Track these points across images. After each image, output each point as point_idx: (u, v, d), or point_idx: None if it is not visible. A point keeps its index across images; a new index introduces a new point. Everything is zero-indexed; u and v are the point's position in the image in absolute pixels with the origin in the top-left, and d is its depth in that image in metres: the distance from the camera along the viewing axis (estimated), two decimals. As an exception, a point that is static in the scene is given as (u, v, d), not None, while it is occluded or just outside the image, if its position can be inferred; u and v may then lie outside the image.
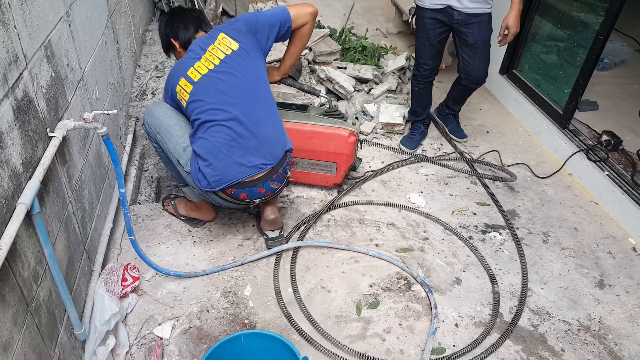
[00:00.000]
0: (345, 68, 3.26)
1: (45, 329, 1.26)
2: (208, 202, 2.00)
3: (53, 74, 1.38)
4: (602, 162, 2.51)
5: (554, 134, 2.83)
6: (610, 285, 2.01)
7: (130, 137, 2.33)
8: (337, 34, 3.74)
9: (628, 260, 2.14)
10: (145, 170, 2.49)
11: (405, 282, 1.96)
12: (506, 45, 3.17)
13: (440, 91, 3.21)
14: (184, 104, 1.83)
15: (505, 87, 3.31)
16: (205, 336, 1.69)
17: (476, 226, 2.29)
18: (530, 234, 2.26)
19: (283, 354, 1.44)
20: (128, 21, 2.64)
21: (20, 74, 1.16)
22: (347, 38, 3.71)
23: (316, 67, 3.21)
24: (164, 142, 1.90)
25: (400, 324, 1.78)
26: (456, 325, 1.80)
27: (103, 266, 1.76)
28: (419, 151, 2.80)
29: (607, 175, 2.45)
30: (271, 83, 2.23)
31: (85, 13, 1.74)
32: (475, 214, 2.36)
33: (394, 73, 3.40)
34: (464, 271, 2.03)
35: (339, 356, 1.64)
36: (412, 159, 2.70)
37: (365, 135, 2.88)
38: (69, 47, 1.54)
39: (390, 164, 2.65)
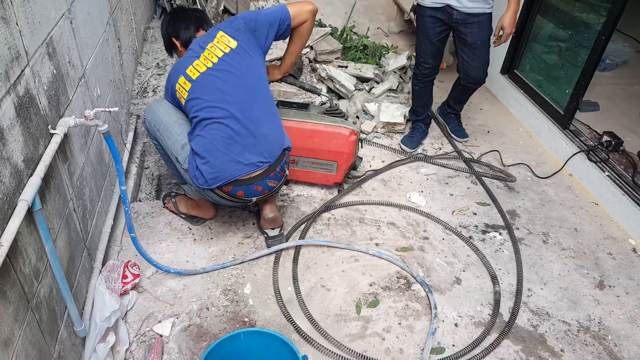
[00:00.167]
0: (346, 67, 3.26)
1: (45, 326, 1.26)
2: (208, 200, 2.01)
3: (54, 71, 1.38)
4: (602, 163, 2.51)
5: (554, 135, 2.83)
6: (610, 286, 2.01)
7: (131, 135, 2.34)
8: (339, 33, 3.74)
9: (628, 261, 2.14)
10: (146, 168, 2.49)
11: (405, 281, 1.96)
12: (507, 45, 3.20)
13: (441, 90, 3.21)
14: (183, 102, 1.84)
15: (506, 87, 3.31)
16: (205, 334, 1.69)
17: (476, 226, 2.29)
18: (531, 234, 2.26)
19: (283, 352, 1.44)
20: (129, 18, 2.64)
21: (22, 71, 1.16)
22: (348, 37, 3.71)
23: (317, 65, 3.21)
24: (163, 139, 1.91)
25: (399, 323, 1.79)
26: (456, 325, 1.80)
27: (103, 263, 1.76)
28: (419, 150, 2.80)
29: (608, 176, 2.45)
30: (272, 81, 2.23)
31: (86, 10, 1.74)
32: (475, 213, 2.36)
33: (395, 72, 3.40)
34: (463, 271, 2.03)
35: (338, 355, 1.64)
36: (408, 158, 2.69)
37: (366, 134, 2.88)
38: (71, 44, 1.54)
39: (390, 163, 2.65)
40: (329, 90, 3.09)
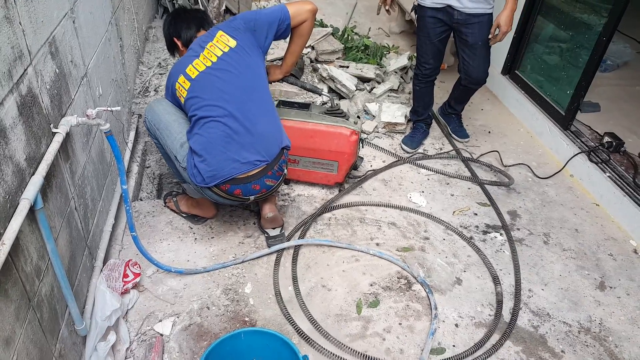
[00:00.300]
0: (348, 67, 3.27)
1: (46, 324, 1.26)
2: (207, 199, 2.01)
3: (57, 70, 1.38)
4: (603, 164, 2.51)
5: (555, 135, 2.83)
6: (611, 287, 2.01)
7: (132, 134, 2.34)
8: (340, 33, 3.74)
9: (629, 262, 2.14)
10: (147, 167, 2.49)
11: (406, 281, 1.96)
12: (509, 45, 3.20)
13: (442, 91, 3.21)
14: (183, 100, 1.86)
15: (507, 87, 3.31)
16: (206, 333, 1.69)
17: (477, 226, 2.29)
18: (531, 235, 2.26)
19: (283, 352, 1.44)
20: (131, 18, 2.64)
21: (25, 70, 1.16)
22: (349, 37, 3.71)
23: (318, 65, 3.21)
24: (162, 138, 1.92)
25: (400, 324, 1.79)
26: (456, 325, 1.80)
27: (104, 262, 1.76)
28: (420, 151, 2.80)
29: (609, 176, 2.45)
30: (273, 81, 2.24)
31: (89, 10, 1.75)
32: (476, 214, 2.36)
33: (396, 72, 3.40)
34: (464, 271, 2.03)
35: (338, 356, 1.64)
36: (400, 160, 2.69)
37: (367, 134, 2.88)
38: (73, 44, 1.54)
39: (390, 163, 2.65)
40: (330, 90, 3.10)
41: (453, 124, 2.95)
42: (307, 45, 3.31)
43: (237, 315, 1.76)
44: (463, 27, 2.41)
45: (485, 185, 2.54)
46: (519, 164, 2.74)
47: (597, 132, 2.76)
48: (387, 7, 2.62)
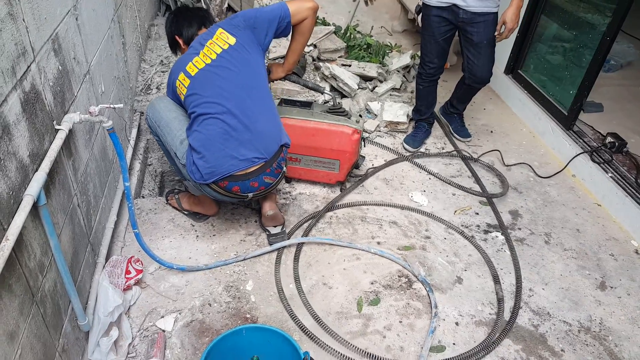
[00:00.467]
0: (350, 66, 3.27)
1: (50, 319, 1.27)
2: (208, 196, 2.02)
3: (60, 67, 1.39)
4: (606, 164, 2.51)
5: (558, 135, 2.82)
6: (611, 287, 2.01)
7: (134, 131, 2.35)
8: (342, 31, 3.74)
9: (630, 263, 2.14)
10: (149, 165, 2.50)
11: (407, 280, 1.97)
12: (512, 44, 3.20)
13: (444, 90, 3.21)
14: (182, 98, 1.87)
15: (510, 87, 3.31)
16: (207, 329, 1.70)
17: (478, 226, 2.29)
18: (533, 235, 2.26)
19: (284, 348, 1.45)
20: (134, 15, 2.65)
21: (28, 67, 1.17)
22: (352, 35, 3.71)
23: (320, 64, 3.21)
24: (163, 135, 1.93)
25: (400, 322, 1.79)
26: (456, 323, 1.81)
27: (107, 259, 1.77)
28: (422, 150, 2.80)
29: (611, 177, 2.44)
30: (276, 79, 2.24)
31: (92, 7, 1.75)
32: (477, 213, 2.37)
33: (398, 71, 3.40)
34: (465, 270, 2.04)
35: (339, 352, 1.65)
36: (399, 158, 2.70)
37: (369, 133, 2.88)
38: (76, 41, 1.55)
39: (389, 161, 2.65)
40: (332, 88, 3.10)
41: (455, 123, 2.95)
42: (309, 44, 3.31)
43: (238, 312, 1.77)
44: (468, 26, 2.41)
45: (482, 182, 2.54)
46: (520, 163, 2.74)
47: (599, 133, 2.75)
48: None
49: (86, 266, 1.61)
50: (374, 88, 3.22)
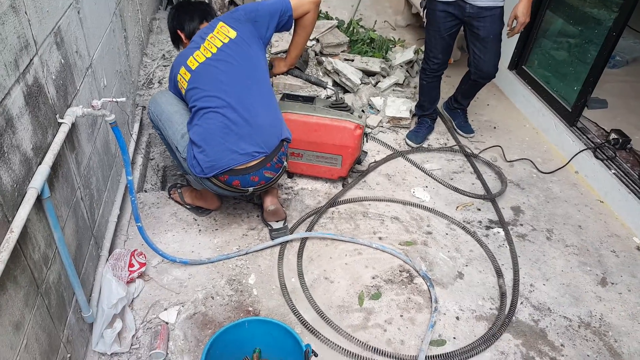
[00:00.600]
0: (353, 60, 3.26)
1: (54, 311, 1.29)
2: (209, 190, 2.03)
3: (62, 60, 1.40)
4: (609, 161, 2.50)
5: (561, 132, 2.81)
6: (612, 283, 2.01)
7: (137, 126, 2.36)
8: (345, 26, 3.72)
9: (632, 259, 2.14)
10: (152, 159, 2.51)
11: (408, 275, 1.98)
12: (516, 40, 3.18)
13: (448, 85, 3.20)
14: (184, 92, 1.88)
15: (514, 83, 3.29)
16: (210, 322, 1.71)
17: (480, 222, 2.29)
18: (535, 231, 2.26)
19: (286, 341, 1.46)
20: (136, 9, 2.65)
21: (31, 60, 1.18)
22: (355, 30, 3.70)
23: (323, 58, 3.21)
24: (164, 129, 1.94)
25: (401, 316, 1.80)
26: (457, 318, 1.82)
27: (110, 252, 1.79)
28: (425, 146, 2.80)
29: (614, 173, 2.44)
30: (278, 74, 2.24)
31: (94, 0, 1.75)
32: (479, 209, 2.37)
33: (401, 66, 3.39)
34: (466, 265, 2.04)
35: (340, 345, 1.66)
36: (395, 154, 2.69)
37: (371, 128, 2.88)
38: (78, 34, 1.56)
39: (389, 154, 2.65)
40: (335, 83, 3.09)
41: (458, 119, 2.94)
42: (312, 38, 3.31)
43: (241, 305, 1.79)
44: (475, 21, 2.40)
45: (484, 177, 2.54)
46: (522, 159, 2.73)
47: (603, 129, 2.74)
48: None
49: (90, 259, 1.62)
50: (376, 83, 3.21)
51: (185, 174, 2.23)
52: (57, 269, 1.32)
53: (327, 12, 3.94)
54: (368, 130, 2.81)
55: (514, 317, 1.83)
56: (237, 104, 1.80)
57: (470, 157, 2.71)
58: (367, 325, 1.76)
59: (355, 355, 1.64)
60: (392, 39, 3.80)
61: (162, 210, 2.17)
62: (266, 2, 1.93)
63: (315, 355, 1.41)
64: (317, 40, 3.34)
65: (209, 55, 1.83)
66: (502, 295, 1.90)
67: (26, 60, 1.15)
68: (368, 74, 3.24)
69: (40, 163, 1.20)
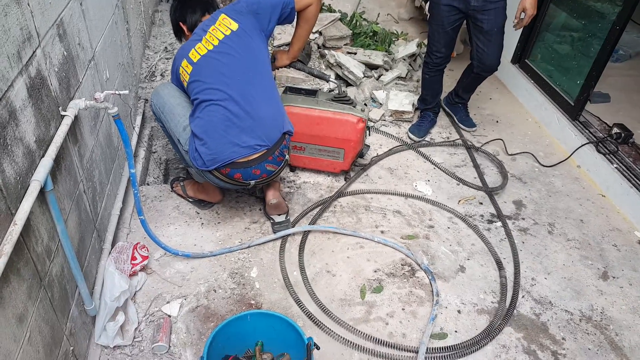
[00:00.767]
0: (355, 53, 3.24)
1: (57, 303, 1.29)
2: (211, 183, 2.03)
3: (65, 52, 1.39)
4: (611, 155, 2.49)
5: (564, 126, 2.80)
6: (614, 277, 2.02)
7: (139, 119, 2.35)
8: (348, 19, 3.70)
9: (633, 253, 2.14)
10: (154, 152, 2.51)
11: (410, 268, 1.98)
12: (519, 34, 3.16)
13: (450, 79, 3.19)
14: (185, 84, 1.87)
15: (516, 76, 3.28)
16: (212, 315, 1.72)
17: (482, 215, 2.29)
18: (536, 225, 2.26)
19: (288, 333, 1.47)
20: (138, 1, 2.63)
21: (34, 52, 1.17)
22: (357, 23, 3.67)
23: (326, 51, 3.19)
24: (167, 121, 1.94)
25: (403, 309, 1.81)
26: (459, 311, 1.82)
27: (113, 245, 1.79)
28: (427, 139, 2.79)
29: (616, 168, 2.43)
30: (280, 67, 2.23)
31: (96, -8, 1.74)
32: (481, 203, 2.37)
33: (404, 60, 3.37)
34: (468, 259, 2.04)
35: (342, 337, 1.67)
36: (402, 146, 2.70)
37: (374, 122, 2.87)
38: (80, 27, 1.55)
39: (391, 148, 2.65)
40: (338, 76, 3.08)
41: (460, 113, 2.93)
42: (314, 31, 3.29)
43: (243, 298, 1.79)
44: (479, 14, 2.39)
45: (487, 171, 2.54)
46: (524, 152, 2.73)
47: (606, 123, 2.73)
48: None
49: (92, 252, 1.62)
50: (379, 76, 3.20)
51: (187, 167, 2.23)
52: (60, 262, 1.32)
53: (330, 4, 3.92)
54: (370, 124, 2.80)
55: (515, 311, 1.83)
56: (239, 97, 1.80)
57: (470, 149, 2.71)
58: (369, 318, 1.77)
59: (358, 347, 1.65)
60: (395, 32, 3.78)
61: (164, 203, 2.17)
62: None
63: (317, 348, 1.41)
64: (320, 33, 3.32)
65: (210, 47, 1.82)
66: (503, 287, 1.90)
67: (29, 52, 1.14)
68: (371, 67, 3.23)
69: (43, 156, 1.20)
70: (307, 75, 2.87)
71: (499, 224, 2.25)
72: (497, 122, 3.02)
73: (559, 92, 2.90)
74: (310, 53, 3.15)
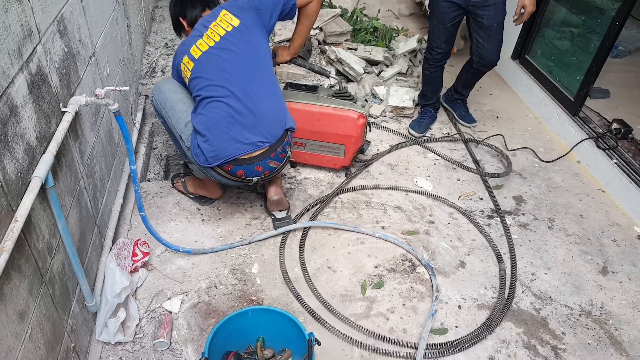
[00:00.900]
0: (356, 49, 3.23)
1: (58, 300, 1.29)
2: (212, 179, 2.03)
3: (65, 49, 1.39)
4: (611, 150, 2.50)
5: (564, 121, 2.80)
6: (613, 272, 2.02)
7: (139, 115, 2.35)
8: (348, 14, 3.69)
9: (632, 248, 2.15)
10: (155, 149, 2.51)
11: (410, 264, 1.98)
12: (519, 29, 3.16)
13: (451, 75, 3.18)
14: (187, 81, 1.86)
15: (516, 72, 3.27)
16: (214, 311, 1.73)
17: (482, 211, 2.30)
18: (536, 220, 2.26)
19: (289, 329, 1.48)
20: (138, -3, 2.62)
21: (34, 48, 1.17)
22: (358, 18, 3.66)
23: (326, 47, 3.18)
24: (168, 117, 1.93)
25: (404, 304, 1.82)
26: (459, 307, 1.83)
27: (114, 241, 1.79)
28: (427, 135, 2.79)
29: (616, 163, 2.44)
30: (281, 63, 2.23)
31: (96, -12, 1.74)
32: (482, 199, 2.37)
33: (404, 55, 3.37)
34: (468, 255, 2.05)
35: (343, 333, 1.68)
36: (411, 141, 2.70)
37: (374, 118, 2.87)
38: (81, 23, 1.54)
39: (393, 145, 2.65)
40: (338, 72, 3.08)
41: (459, 109, 2.93)
42: (315, 27, 3.28)
43: (244, 294, 1.80)
44: (479, 10, 2.39)
45: (487, 167, 2.54)
46: (524, 148, 2.73)
47: (605, 119, 2.73)
48: None
49: (93, 248, 1.62)
50: (380, 72, 3.20)
51: (188, 163, 2.23)
52: (60, 259, 1.32)
53: (330, 0, 3.90)
54: (371, 120, 2.80)
55: (515, 306, 1.84)
56: (241, 93, 1.79)
57: (468, 142, 2.71)
58: (370, 314, 1.78)
59: (358, 342, 1.65)
60: (396, 28, 3.77)
61: (165, 199, 2.18)
62: None
63: (319, 343, 1.42)
64: (321, 29, 3.31)
65: (212, 43, 1.81)
66: (502, 280, 1.91)
67: (29, 48, 1.14)
68: (371, 63, 3.22)
69: (44, 152, 1.19)
70: (307, 71, 2.87)
71: (499, 219, 2.25)
72: (497, 117, 3.02)
73: (558, 88, 2.90)
74: (311, 49, 3.15)
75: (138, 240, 1.83)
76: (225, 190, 2.20)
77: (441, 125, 2.89)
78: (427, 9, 2.60)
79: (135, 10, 2.51)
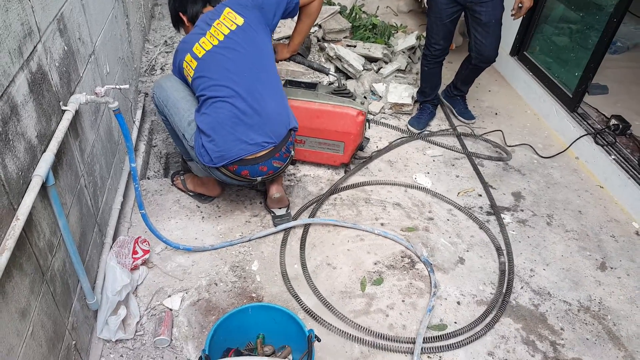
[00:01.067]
0: (355, 46, 3.23)
1: (59, 298, 1.30)
2: (213, 178, 2.03)
3: (65, 47, 1.39)
4: (609, 146, 2.51)
5: (562, 117, 2.81)
6: (611, 268, 2.03)
7: (139, 113, 2.35)
8: (348, 11, 3.69)
9: (630, 244, 2.16)
10: (154, 146, 2.51)
11: (409, 260, 1.99)
12: (518, 26, 3.16)
13: (449, 72, 3.18)
14: (190, 80, 1.85)
15: (515, 68, 3.28)
16: (214, 308, 1.73)
17: (481, 207, 2.30)
18: (535, 216, 2.27)
19: (289, 326, 1.48)
20: (136, -5, 2.62)
21: (35, 47, 1.17)
22: (357, 15, 3.66)
23: (325, 44, 3.18)
24: (170, 115, 1.92)
25: (403, 301, 1.83)
26: (458, 303, 1.84)
27: (114, 239, 1.79)
28: (426, 132, 2.80)
29: (614, 159, 2.44)
30: (280, 60, 2.23)
31: (95, -14, 1.73)
32: (480, 195, 2.38)
33: (403, 52, 3.37)
34: (467, 251, 2.06)
35: (343, 330, 1.69)
36: (406, 137, 2.70)
37: (374, 115, 2.87)
38: (81, 21, 1.54)
39: (392, 142, 2.66)
40: (337, 69, 3.08)
41: (459, 106, 2.94)
42: (314, 24, 3.27)
43: (244, 292, 1.80)
44: (477, 6, 2.40)
45: (485, 163, 2.56)
46: (522, 144, 2.74)
47: (604, 115, 2.74)
48: None
49: (94, 246, 1.63)
50: (379, 69, 3.20)
51: (189, 160, 2.23)
52: (61, 257, 1.33)
53: (328, -3, 3.90)
54: (370, 117, 2.80)
55: (514, 302, 1.85)
56: (246, 94, 1.79)
57: (460, 137, 2.73)
58: (370, 310, 1.79)
59: (358, 339, 1.66)
60: (395, 24, 3.77)
61: (165, 197, 2.18)
62: None
63: (318, 340, 1.43)
64: (320, 26, 3.31)
65: (216, 42, 1.80)
66: (502, 273, 1.93)
67: (30, 47, 1.14)
68: (370, 60, 3.22)
69: (44, 150, 1.20)
70: (306, 69, 2.87)
71: (495, 216, 2.26)
72: (496, 114, 3.02)
73: (557, 84, 2.90)
74: (310, 46, 3.15)
75: (138, 237, 1.83)
76: (224, 188, 2.20)
77: (440, 122, 2.90)
78: (425, 5, 2.60)
79: (134, 8, 2.51)
